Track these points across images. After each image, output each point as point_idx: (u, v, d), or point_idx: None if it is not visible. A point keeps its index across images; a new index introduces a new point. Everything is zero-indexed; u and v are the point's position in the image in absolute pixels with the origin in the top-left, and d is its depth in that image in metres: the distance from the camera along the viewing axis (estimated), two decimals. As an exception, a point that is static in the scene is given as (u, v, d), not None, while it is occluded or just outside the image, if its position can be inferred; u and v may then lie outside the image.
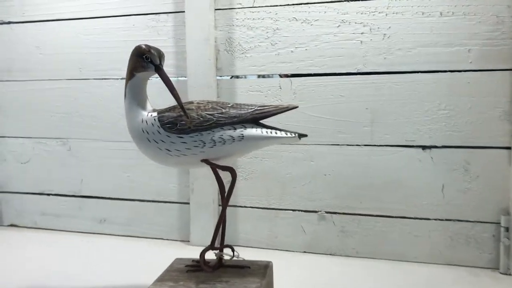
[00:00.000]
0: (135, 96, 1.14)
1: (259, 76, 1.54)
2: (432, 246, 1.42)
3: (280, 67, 1.51)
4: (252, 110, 1.09)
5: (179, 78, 1.62)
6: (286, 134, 1.09)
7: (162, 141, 1.08)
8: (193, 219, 1.60)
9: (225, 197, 1.14)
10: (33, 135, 1.80)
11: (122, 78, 1.67)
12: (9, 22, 1.79)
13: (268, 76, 1.54)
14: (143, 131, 1.10)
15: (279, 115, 1.09)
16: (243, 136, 1.08)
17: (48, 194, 1.81)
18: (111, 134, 1.71)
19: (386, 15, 1.41)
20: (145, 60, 1.10)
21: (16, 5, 1.77)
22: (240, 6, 1.53)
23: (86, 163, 1.75)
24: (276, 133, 1.09)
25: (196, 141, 1.07)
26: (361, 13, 1.43)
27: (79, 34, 1.71)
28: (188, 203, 1.63)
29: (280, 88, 1.52)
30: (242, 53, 1.55)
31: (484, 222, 1.38)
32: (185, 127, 1.07)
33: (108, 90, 1.70)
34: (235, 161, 1.57)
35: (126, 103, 1.14)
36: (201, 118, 1.07)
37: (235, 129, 1.08)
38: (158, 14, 1.62)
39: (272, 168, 1.54)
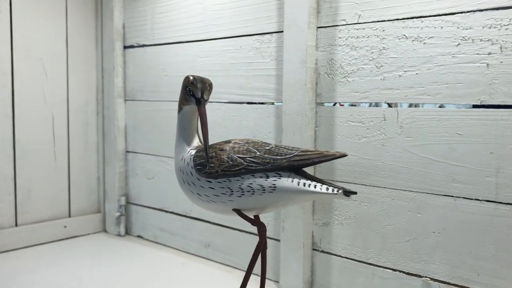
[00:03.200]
0: (182, 130, 1.05)
1: (361, 104, 1.30)
2: None
3: (385, 94, 1.25)
4: (290, 156, 0.90)
5: (277, 103, 1.48)
6: (328, 190, 0.87)
7: (193, 183, 0.97)
8: (283, 260, 1.44)
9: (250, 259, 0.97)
10: (158, 153, 1.87)
11: (228, 102, 1.61)
12: (143, 45, 1.89)
13: (372, 104, 1.29)
14: (181, 170, 1.01)
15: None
16: (275, 187, 0.89)
17: (166, 211, 1.86)
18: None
19: (525, 28, 1.04)
20: (188, 93, 1.01)
21: (147, 29, 1.86)
22: (344, 22, 1.32)
23: (197, 185, 1.74)
24: (315, 186, 0.87)
25: (223, 187, 0.93)
26: (489, 27, 1.08)
27: (195, 57, 1.71)
28: (278, 240, 1.48)
29: (385, 119, 1.25)
30: (344, 77, 1.32)
31: None
32: (213, 171, 0.94)
33: (215, 114, 1.65)
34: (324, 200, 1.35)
35: (176, 137, 1.07)
36: (230, 162, 0.92)
37: (267, 177, 0.90)
38: (262, 35, 1.51)
39: (370, 215, 1.29)
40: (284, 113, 1.40)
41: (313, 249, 1.42)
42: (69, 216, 1.97)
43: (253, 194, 0.91)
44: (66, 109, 1.93)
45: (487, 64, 1.09)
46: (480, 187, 1.11)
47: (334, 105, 1.36)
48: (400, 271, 1.25)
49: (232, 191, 0.92)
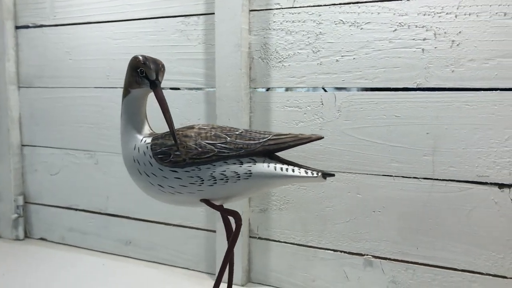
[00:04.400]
0: (131, 116, 0.95)
1: (298, 89, 1.30)
2: (508, 312, 1.11)
3: (322, 78, 1.26)
4: (265, 140, 0.86)
5: (208, 89, 1.42)
6: (306, 173, 0.85)
7: (154, 174, 0.89)
8: (219, 251, 1.39)
9: (227, 248, 0.92)
10: (62, 145, 1.69)
11: (149, 88, 1.50)
12: (41, 26, 1.68)
13: (309, 89, 1.29)
14: (134, 160, 0.91)
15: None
16: (250, 173, 0.85)
17: (75, 209, 1.69)
18: (139, 149, 1.55)
19: (456, 16, 1.11)
20: (139, 75, 0.91)
21: (47, 7, 1.66)
22: (279, 6, 1.30)
23: (113, 179, 1.60)
24: (293, 170, 0.85)
25: (192, 177, 0.86)
26: (424, 14, 1.14)
27: (107, 39, 1.56)
28: (214, 231, 1.44)
29: (322, 104, 1.27)
30: (279, 62, 1.31)
31: None
32: (180, 159, 0.86)
33: (136, 100, 1.53)
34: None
35: (121, 124, 0.96)
36: (200, 149, 0.86)
37: (241, 163, 0.86)
38: (188, 17, 1.43)
39: (310, 198, 1.30)
40: (218, 99, 1.34)
41: (250, 237, 1.39)
42: (-47, 222, 1.70)
43: (226, 182, 0.86)
44: None
45: (423, 49, 1.15)
46: (417, 165, 1.18)
47: (268, 90, 1.34)
48: (341, 251, 1.28)
49: (203, 180, 0.86)
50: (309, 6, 1.26)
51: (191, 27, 1.42)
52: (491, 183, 1.11)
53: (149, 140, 0.92)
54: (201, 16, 1.41)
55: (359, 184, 1.24)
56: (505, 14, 1.07)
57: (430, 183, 1.17)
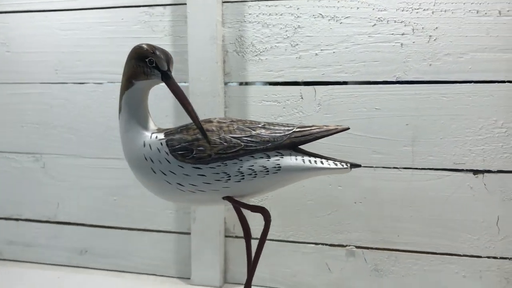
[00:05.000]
0: (135, 111, 0.87)
1: (276, 83, 1.28)
2: (483, 289, 1.19)
3: (302, 73, 1.26)
4: (290, 132, 0.83)
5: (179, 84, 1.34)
6: (336, 164, 0.84)
7: (172, 172, 0.82)
8: (195, 253, 1.33)
9: (257, 248, 0.88)
10: (1, 148, 1.50)
11: (108, 82, 1.39)
12: (-30, 13, 1.48)
13: (288, 83, 1.28)
14: (146, 158, 0.83)
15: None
16: (280, 167, 0.82)
17: (17, 219, 1.51)
18: (93, 150, 1.42)
19: (433, 12, 1.17)
20: (148, 65, 0.84)
21: (-22, -8, 1.47)
22: (254, -2, 1.27)
23: (64, 183, 1.46)
24: (322, 163, 0.83)
25: (218, 173, 0.81)
26: (402, 10, 1.19)
27: (55, 29, 1.42)
28: (187, 233, 1.37)
29: (302, 98, 1.26)
30: (256, 55, 1.28)
31: (547, 262, 1.16)
32: (205, 155, 0.80)
33: (90, 97, 1.41)
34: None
35: (122, 120, 0.87)
36: (225, 143, 0.81)
37: (269, 157, 0.82)
38: (152, 7, 1.34)
39: (290, 192, 1.29)
40: (192, 93, 1.28)
41: (226, 236, 1.35)
42: None
43: (255, 177, 0.81)
44: None
45: (401, 44, 1.20)
46: (398, 156, 1.22)
47: (241, 84, 1.31)
48: (323, 244, 1.29)
49: (230, 176, 0.81)
50: (287, 0, 1.25)
51: (156, 18, 1.34)
52: (466, 170, 1.19)
53: (161, 136, 0.84)
54: (167, 7, 1.33)
55: (340, 177, 1.26)
56: (477, 12, 1.15)
57: (410, 173, 1.22)
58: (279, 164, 0.82)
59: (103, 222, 1.44)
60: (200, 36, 1.26)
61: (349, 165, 0.86)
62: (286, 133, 0.83)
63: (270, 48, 1.27)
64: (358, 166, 0.87)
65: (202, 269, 1.33)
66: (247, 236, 0.91)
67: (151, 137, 0.84)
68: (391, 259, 1.25)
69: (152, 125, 0.88)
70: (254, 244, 0.95)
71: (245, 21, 1.28)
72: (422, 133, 1.20)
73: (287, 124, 0.86)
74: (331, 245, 1.29)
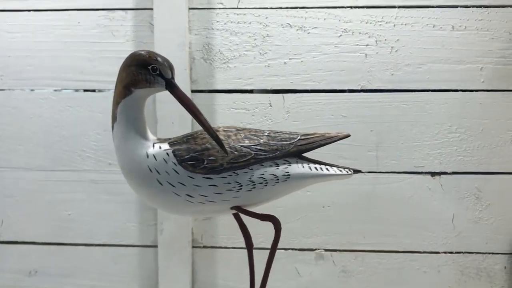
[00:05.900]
0: (132, 120, 0.83)
1: (244, 91, 1.28)
2: (442, 282, 1.29)
3: (270, 80, 1.28)
4: (296, 140, 0.85)
5: (143, 92, 1.30)
6: (341, 171, 0.86)
7: (182, 183, 0.79)
8: (162, 267, 1.29)
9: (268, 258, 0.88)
10: None
11: (63, 89, 1.30)
12: None
13: (256, 91, 1.29)
14: (150, 169, 0.80)
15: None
16: (289, 175, 0.83)
17: (-48, 241, 1.36)
18: (43, 161, 1.32)
19: (394, 25, 1.25)
20: (151, 73, 0.80)
21: None
22: (222, 6, 1.27)
23: (8, 199, 1.34)
24: (327, 169, 0.85)
25: (229, 183, 0.80)
26: (366, 22, 1.25)
27: (1, 32, 1.30)
28: (152, 246, 1.32)
29: (271, 105, 1.28)
30: (224, 63, 1.28)
31: (495, 254, 1.28)
32: (216, 165, 0.79)
33: (40, 105, 1.31)
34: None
35: (118, 130, 0.83)
36: (236, 152, 0.80)
37: (277, 165, 0.83)
38: (113, 11, 1.28)
39: (259, 200, 1.30)
40: (158, 101, 1.24)
41: (193, 247, 1.32)
42: None
43: (265, 185, 0.81)
44: None
45: (366, 54, 1.26)
46: (363, 160, 1.28)
47: (211, 92, 1.29)
48: (292, 249, 1.31)
49: (241, 186, 0.79)
50: (255, 8, 1.26)
51: (117, 22, 1.28)
52: (425, 172, 1.28)
53: (165, 146, 0.81)
54: (129, 11, 1.28)
55: (308, 182, 1.29)
56: (433, 26, 1.24)
57: (374, 176, 1.28)
58: (288, 172, 0.83)
59: (57, 239, 1.34)
60: (168, 43, 1.23)
61: (352, 171, 0.89)
62: (292, 141, 0.84)
63: (239, 56, 1.27)
64: (359, 171, 0.91)
65: (170, 282, 1.29)
66: (249, 245, 0.90)
67: (153, 147, 0.81)
68: (358, 260, 1.30)
69: (150, 135, 0.84)
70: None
71: (212, 29, 1.27)
72: (386, 138, 1.27)
73: (290, 132, 0.88)
74: (300, 249, 1.31)
